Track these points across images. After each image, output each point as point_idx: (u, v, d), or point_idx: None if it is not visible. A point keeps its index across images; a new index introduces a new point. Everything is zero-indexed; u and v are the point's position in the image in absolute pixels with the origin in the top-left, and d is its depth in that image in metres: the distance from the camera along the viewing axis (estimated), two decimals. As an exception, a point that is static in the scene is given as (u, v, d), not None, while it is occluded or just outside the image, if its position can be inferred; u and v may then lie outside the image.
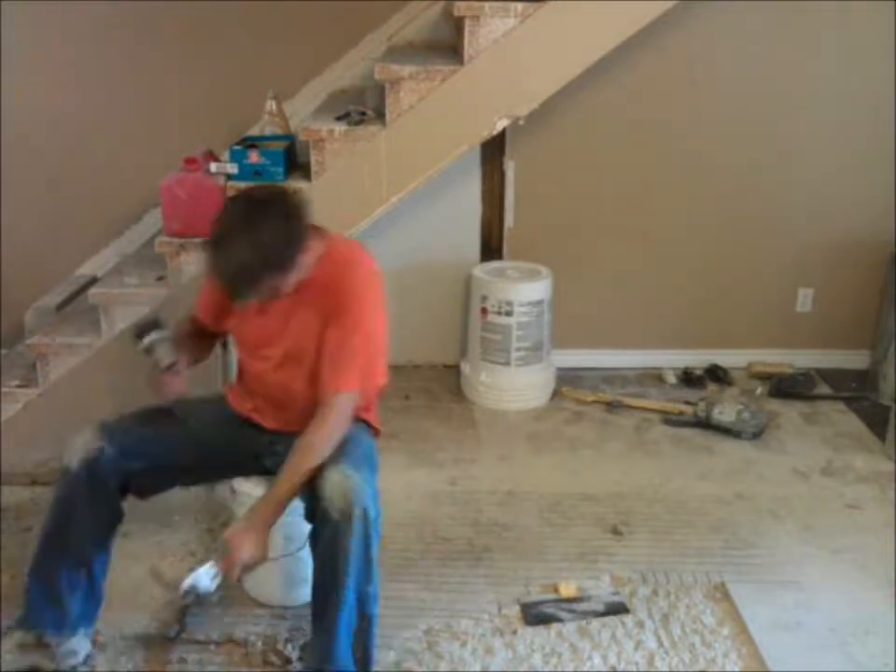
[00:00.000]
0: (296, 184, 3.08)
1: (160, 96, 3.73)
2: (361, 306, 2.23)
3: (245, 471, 2.49)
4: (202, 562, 2.31)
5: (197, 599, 2.20)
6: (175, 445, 2.38)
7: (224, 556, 2.15)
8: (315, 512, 2.17)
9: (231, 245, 2.05)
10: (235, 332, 2.43)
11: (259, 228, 2.06)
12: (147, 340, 2.29)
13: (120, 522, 2.40)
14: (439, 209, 3.96)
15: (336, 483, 2.12)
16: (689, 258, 4.06)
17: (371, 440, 2.41)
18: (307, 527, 2.34)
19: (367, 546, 2.12)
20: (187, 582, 2.17)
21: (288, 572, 2.55)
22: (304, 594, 2.58)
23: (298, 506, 2.48)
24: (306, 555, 2.46)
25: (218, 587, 2.18)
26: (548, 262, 3.88)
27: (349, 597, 2.13)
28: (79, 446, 2.30)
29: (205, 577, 2.16)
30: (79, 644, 2.35)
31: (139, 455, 2.33)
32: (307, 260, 2.18)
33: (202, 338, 2.48)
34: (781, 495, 3.19)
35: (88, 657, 2.36)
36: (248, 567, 2.15)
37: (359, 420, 2.36)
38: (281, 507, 2.19)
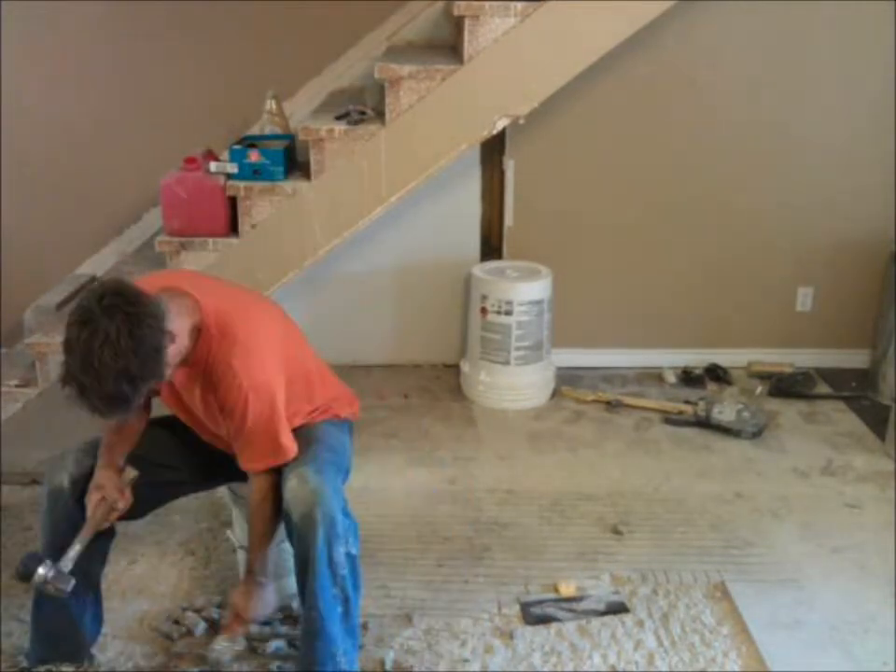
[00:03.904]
0: (296, 183, 3.08)
1: (160, 96, 3.73)
2: (241, 392, 2.11)
3: (223, 477, 2.47)
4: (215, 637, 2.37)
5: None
6: (162, 460, 2.34)
7: (233, 619, 2.31)
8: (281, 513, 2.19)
9: (95, 385, 1.88)
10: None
11: (117, 354, 1.86)
12: (37, 578, 2.11)
13: (114, 538, 2.36)
14: (438, 208, 3.96)
15: (295, 488, 2.13)
16: (689, 257, 4.06)
17: (341, 433, 2.39)
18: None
19: (330, 548, 2.12)
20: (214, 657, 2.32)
21: (275, 563, 2.52)
22: (290, 583, 2.59)
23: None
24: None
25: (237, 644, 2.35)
26: (548, 261, 3.88)
27: (324, 596, 2.14)
28: (69, 464, 2.23)
29: (228, 646, 2.32)
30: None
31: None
32: (178, 347, 2.04)
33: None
34: (781, 494, 3.19)
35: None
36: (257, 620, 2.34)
37: (325, 418, 2.35)
38: (262, 564, 2.27)
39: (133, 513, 2.28)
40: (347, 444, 2.39)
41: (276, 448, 2.18)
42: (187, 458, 2.38)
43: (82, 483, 2.21)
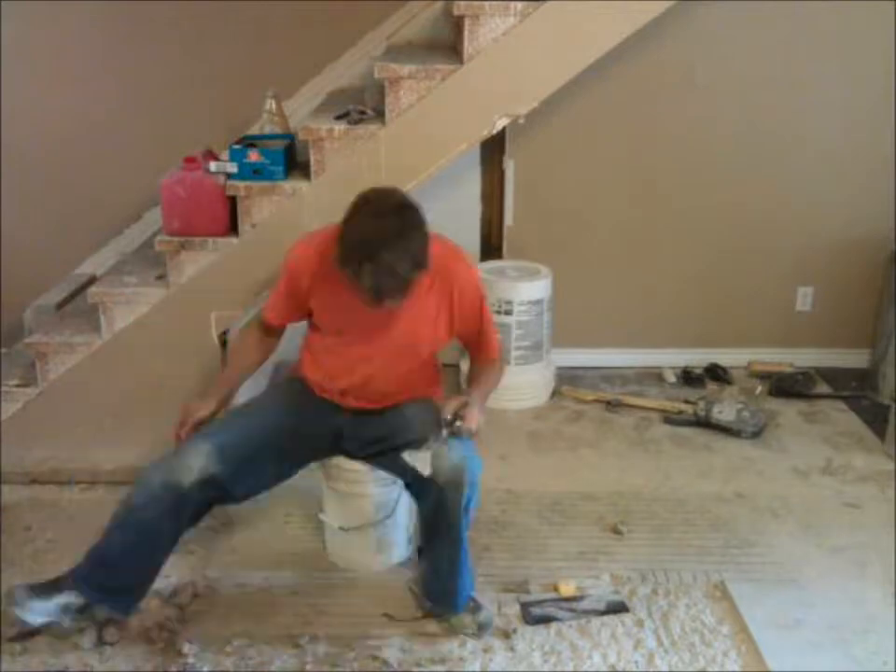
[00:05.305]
0: (296, 183, 3.08)
1: (159, 96, 3.73)
2: (481, 292, 2.54)
3: (324, 455, 2.63)
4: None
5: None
6: (267, 442, 2.47)
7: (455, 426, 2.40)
8: (423, 481, 2.40)
9: (391, 258, 2.16)
10: (329, 325, 2.51)
11: (408, 237, 2.21)
12: None
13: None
14: (439, 208, 3.92)
15: (444, 455, 2.36)
16: (689, 256, 4.06)
17: None
18: (395, 495, 2.61)
19: (469, 504, 2.42)
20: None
21: (380, 538, 2.66)
22: (389, 559, 2.73)
23: (385, 477, 2.60)
24: (394, 521, 2.67)
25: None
26: (548, 261, 3.88)
27: (464, 539, 2.47)
28: (194, 466, 2.36)
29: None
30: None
31: (245, 470, 2.43)
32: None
33: (260, 347, 2.64)
34: (781, 493, 3.19)
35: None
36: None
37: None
38: (486, 398, 2.58)
39: (233, 496, 2.47)
40: None
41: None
42: (277, 448, 2.51)
43: (197, 489, 2.37)
